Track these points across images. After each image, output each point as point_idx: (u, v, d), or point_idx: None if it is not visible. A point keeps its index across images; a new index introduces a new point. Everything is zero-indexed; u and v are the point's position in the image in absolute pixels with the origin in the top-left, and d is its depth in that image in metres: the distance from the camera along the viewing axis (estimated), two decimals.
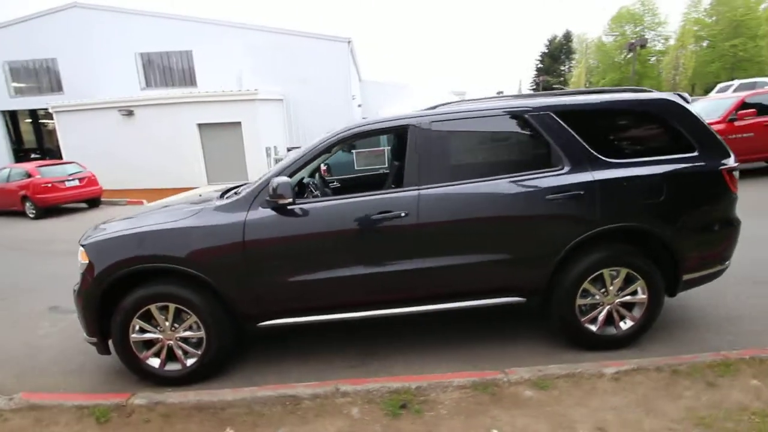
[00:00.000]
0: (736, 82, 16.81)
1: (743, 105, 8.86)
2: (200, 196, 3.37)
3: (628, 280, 2.74)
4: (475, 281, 2.67)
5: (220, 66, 18.30)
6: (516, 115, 2.71)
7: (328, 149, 2.68)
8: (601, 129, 2.77)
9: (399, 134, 3.10)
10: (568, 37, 59.21)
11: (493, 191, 2.60)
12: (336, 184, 4.19)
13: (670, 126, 2.74)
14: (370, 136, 2.86)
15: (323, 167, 4.82)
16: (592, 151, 2.65)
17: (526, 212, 2.61)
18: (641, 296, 2.77)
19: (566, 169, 2.63)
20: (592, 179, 2.60)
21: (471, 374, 2.47)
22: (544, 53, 60.92)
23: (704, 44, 37.03)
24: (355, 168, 4.49)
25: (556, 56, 59.77)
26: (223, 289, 2.57)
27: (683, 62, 37.47)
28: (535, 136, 2.70)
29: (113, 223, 2.88)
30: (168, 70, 19.67)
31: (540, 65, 61.08)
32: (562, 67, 59.79)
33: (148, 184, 14.68)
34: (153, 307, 2.60)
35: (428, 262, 2.59)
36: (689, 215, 2.69)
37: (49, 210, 10.67)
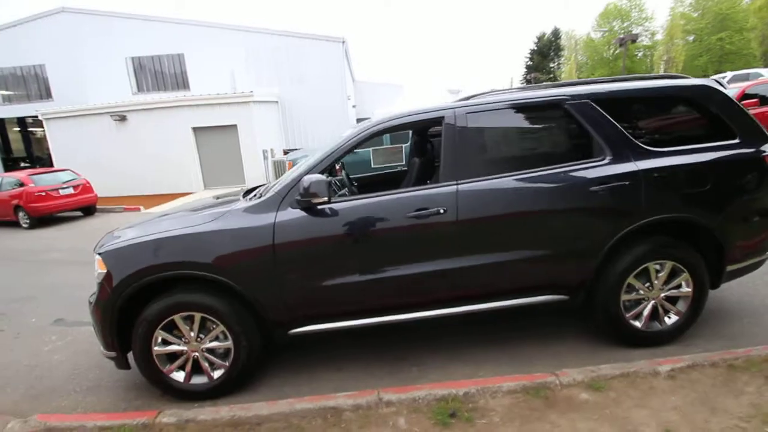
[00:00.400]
0: (729, 74, 16.94)
1: (744, 96, 8.89)
2: (217, 199, 3.20)
3: (673, 274, 2.64)
4: (516, 279, 2.55)
5: (213, 69, 18.07)
6: (553, 104, 2.59)
7: (359, 144, 2.53)
8: (640, 117, 2.68)
9: (432, 127, 2.96)
10: (556, 34, 59.54)
11: (534, 184, 2.47)
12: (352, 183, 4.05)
13: (710, 112, 2.64)
14: (403, 129, 2.72)
15: (337, 165, 4.68)
16: (633, 139, 2.54)
17: (569, 205, 2.49)
18: (686, 290, 2.67)
19: (608, 159, 2.52)
20: (636, 169, 2.49)
21: (520, 378, 2.34)
22: (533, 50, 61.17)
23: (690, 38, 37.40)
24: (372, 166, 4.34)
25: (546, 53, 60.06)
26: (252, 295, 2.42)
27: (674, 56, 37.85)
28: (575, 125, 2.59)
29: (127, 230, 2.71)
30: (160, 74, 19.36)
31: (530, 62, 61.35)
32: (552, 64, 60.11)
33: (143, 190, 14.39)
34: (177, 318, 2.44)
35: (469, 261, 2.46)
36: (734, 204, 2.60)
37: (43, 219, 10.37)
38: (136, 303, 2.46)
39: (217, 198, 3.28)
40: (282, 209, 2.41)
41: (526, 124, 2.70)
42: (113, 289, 2.39)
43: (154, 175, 14.45)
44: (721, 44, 34.50)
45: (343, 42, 18.00)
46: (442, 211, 2.39)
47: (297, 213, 2.40)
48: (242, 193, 2.87)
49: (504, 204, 2.46)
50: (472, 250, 2.46)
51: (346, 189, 3.06)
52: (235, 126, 14.29)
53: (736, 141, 2.61)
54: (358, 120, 19.20)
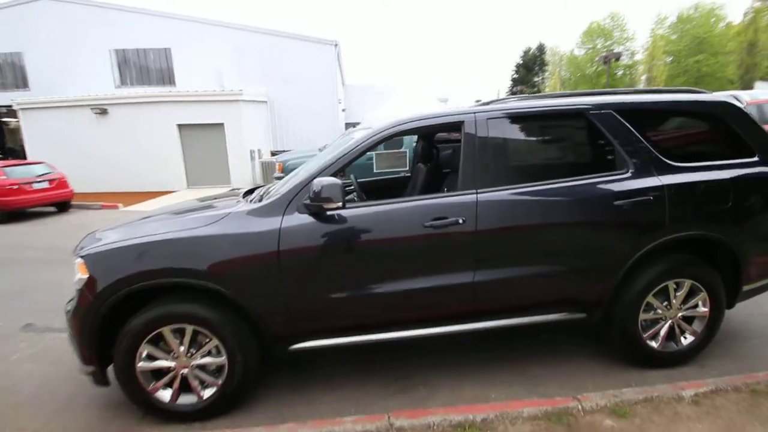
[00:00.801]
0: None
1: None
2: (202, 201, 2.96)
3: (691, 293, 2.56)
4: (534, 295, 2.42)
5: (201, 65, 17.61)
6: (576, 113, 2.48)
7: (374, 146, 2.36)
8: (660, 130, 2.60)
9: (449, 131, 2.81)
10: (541, 49, 60.86)
11: (557, 196, 2.35)
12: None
13: (730, 129, 2.59)
14: (419, 132, 2.57)
15: None
16: (656, 153, 2.46)
17: (593, 218, 2.38)
18: (702, 309, 2.59)
19: (630, 172, 2.42)
20: (660, 184, 2.40)
21: (540, 402, 2.19)
22: (519, 64, 62.35)
23: (669, 60, 38.75)
24: (374, 171, 4.16)
25: (531, 67, 61.25)
26: (252, 306, 2.20)
27: (655, 75, 39.13)
28: (597, 136, 2.48)
29: (110, 232, 2.45)
30: (145, 68, 18.78)
31: (515, 76, 62.54)
32: (536, 78, 61.41)
33: (123, 187, 13.82)
34: (166, 330, 2.20)
35: (487, 274, 2.31)
36: (754, 222, 2.54)
37: (14, 214, 9.79)
38: (120, 313, 2.21)
39: (202, 200, 3.05)
40: (289, 213, 2.21)
41: (547, 132, 2.59)
42: (96, 296, 2.14)
43: (135, 172, 13.91)
44: (698, 66, 35.86)
45: (336, 45, 17.85)
46: (461, 221, 2.24)
47: (305, 218, 2.21)
48: (241, 195, 2.65)
49: (525, 215, 2.33)
50: (490, 264, 2.32)
51: (355, 194, 2.88)
52: (222, 125, 13.92)
53: (755, 159, 2.56)
54: (347, 124, 19.01)
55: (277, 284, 2.19)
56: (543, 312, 2.45)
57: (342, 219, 2.23)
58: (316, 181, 2.13)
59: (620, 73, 43.08)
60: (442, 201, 2.30)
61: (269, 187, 2.60)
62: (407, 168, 4.11)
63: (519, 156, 2.54)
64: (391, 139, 2.39)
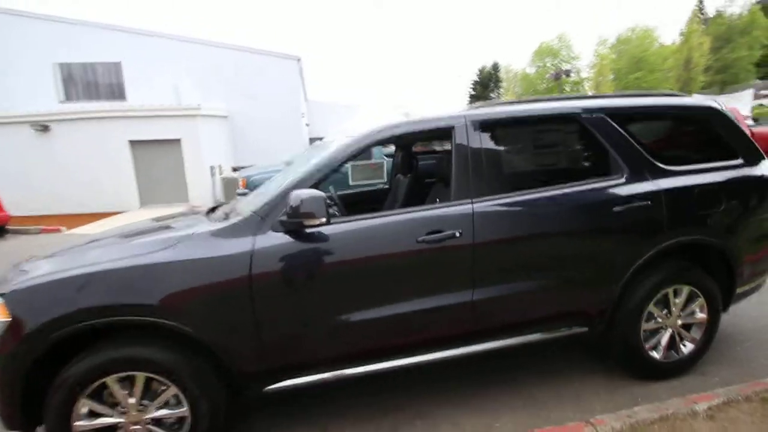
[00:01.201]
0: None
1: None
2: (157, 221, 2.58)
3: (689, 299, 2.48)
4: (538, 310, 2.24)
5: (156, 81, 16.76)
6: (568, 117, 2.37)
7: (357, 154, 2.11)
8: (649, 134, 2.53)
9: (438, 138, 2.61)
10: (496, 67, 63.64)
11: (557, 202, 2.20)
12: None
13: (714, 132, 2.57)
14: (407, 139, 2.35)
15: None
16: (648, 157, 2.38)
17: (593, 226, 2.25)
18: (700, 315, 2.51)
19: (625, 177, 2.32)
20: (656, 188, 2.31)
21: (554, 429, 1.98)
22: (476, 81, 64.80)
23: (611, 77, 41.64)
24: (350, 183, 3.88)
25: (486, 84, 63.73)
26: (218, 343, 1.86)
27: (603, 90, 41.82)
28: (590, 140, 2.38)
29: (41, 262, 2.04)
30: (93, 83, 17.66)
31: (473, 92, 64.84)
32: (492, 94, 63.94)
33: (67, 208, 12.70)
34: (111, 380, 1.81)
35: (488, 291, 2.10)
36: (744, 225, 2.51)
37: None
38: (52, 361, 1.80)
39: (158, 220, 2.67)
40: (262, 232, 1.91)
41: (540, 137, 2.46)
42: (20, 342, 1.73)
43: (80, 193, 12.85)
44: (638, 82, 38.69)
45: (298, 60, 17.64)
46: (458, 234, 2.02)
47: (281, 237, 1.91)
48: (203, 213, 2.30)
49: (525, 225, 2.16)
50: (490, 279, 2.11)
51: (336, 208, 2.60)
52: (178, 140, 13.21)
53: (740, 161, 2.55)
54: (311, 139, 18.69)
55: (248, 315, 1.87)
56: (545, 328, 2.27)
57: (324, 237, 1.95)
58: (293, 194, 1.84)
59: (568, 89, 45.75)
60: (435, 213, 2.08)
61: (235, 204, 2.28)
62: (385, 180, 3.88)
63: (513, 162, 2.38)
64: (376, 146, 2.15)
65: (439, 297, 2.05)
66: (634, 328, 2.36)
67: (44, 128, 12.87)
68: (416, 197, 3.09)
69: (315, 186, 1.97)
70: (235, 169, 14.34)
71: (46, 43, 16.53)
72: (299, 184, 1.97)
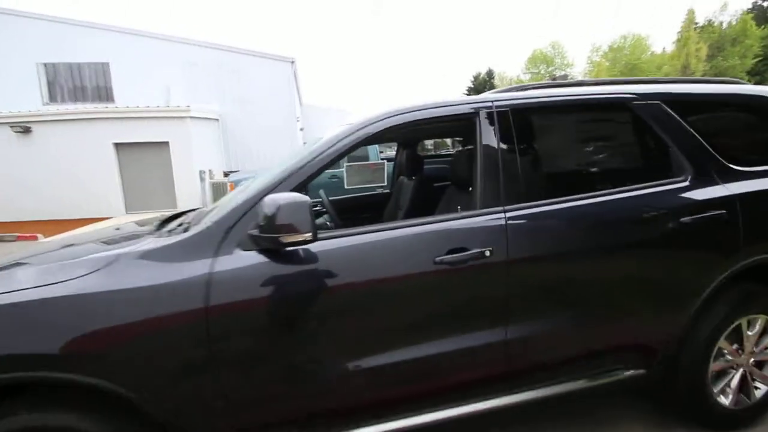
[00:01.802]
0: None
1: None
2: (118, 230, 2.07)
3: (764, 331, 2.01)
4: (586, 350, 1.76)
5: (145, 82, 16.22)
6: (618, 104, 1.90)
7: (354, 147, 1.62)
8: (716, 127, 2.07)
9: (456, 127, 2.13)
10: (490, 74, 63.79)
11: (609, 211, 1.73)
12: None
13: None
14: (419, 127, 1.85)
15: None
16: (715, 154, 1.92)
17: (658, 241, 1.78)
18: None
19: (689, 179, 1.86)
20: (728, 193, 1.85)
21: None
22: (470, 88, 64.88)
23: None
24: (345, 187, 3.40)
25: (481, 90, 63.57)
26: (160, 402, 1.36)
27: None
28: (646, 132, 1.92)
29: None
30: (79, 84, 17.10)
31: None
32: None
33: (48, 214, 12.08)
34: None
35: (525, 328, 1.62)
36: None
37: None
38: None
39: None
40: (224, 251, 1.40)
41: (585, 129, 1.99)
42: None
43: (63, 197, 12.25)
44: None
45: (293, 62, 17.20)
46: (487, 252, 1.54)
47: (252, 258, 1.42)
48: (157, 225, 1.78)
49: (572, 239, 1.69)
50: (527, 311, 1.64)
51: (328, 218, 2.10)
52: (167, 143, 12.66)
53: None
54: (306, 144, 18.21)
55: (203, 362, 1.37)
56: (596, 372, 1.78)
57: (311, 257, 1.46)
58: (268, 199, 1.35)
59: None
60: (456, 225, 1.61)
61: (201, 213, 1.78)
62: (385, 183, 3.40)
63: (553, 160, 1.91)
64: (380, 135, 1.65)
65: (464, 338, 1.57)
66: (702, 369, 1.89)
67: (25, 130, 12.28)
68: (424, 204, 2.61)
69: (299, 189, 1.48)
70: (226, 174, 13.81)
71: (32, 42, 15.97)
72: (278, 186, 1.47)
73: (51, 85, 16.90)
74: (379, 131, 1.62)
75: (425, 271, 1.52)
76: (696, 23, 32.93)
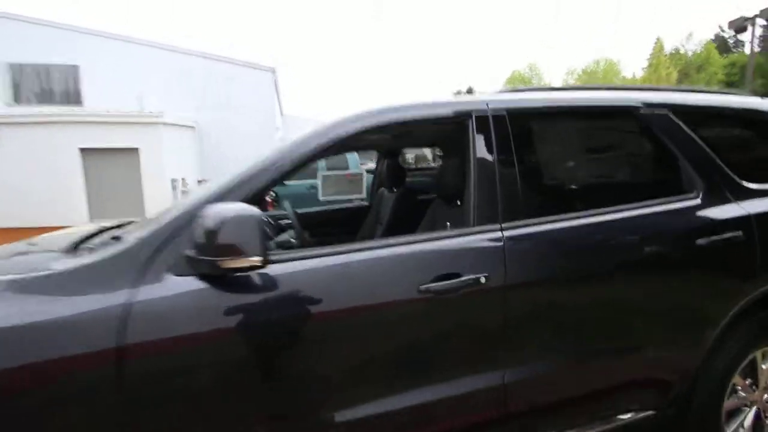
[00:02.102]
0: None
1: None
2: (33, 245, 1.71)
3: None
4: (593, 392, 1.52)
5: (117, 88, 15.60)
6: (624, 112, 1.72)
7: (322, 152, 1.35)
8: (725, 141, 1.91)
9: (445, 133, 1.89)
10: (470, 92, 65.26)
11: (620, 231, 1.53)
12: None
13: None
14: (400, 130, 1.61)
15: (268, 197, 3.39)
16: (726, 169, 1.75)
17: (671, 264, 1.57)
18: None
19: (700, 197, 1.67)
20: (743, 213, 1.67)
21: None
22: None
23: None
24: (320, 198, 3.11)
25: None
26: None
27: None
28: (654, 144, 1.74)
29: None
30: (47, 87, 16.36)
31: None
32: None
33: (5, 222, 11.26)
34: None
35: (526, 369, 1.37)
36: None
37: None
38: None
39: (33, 245, 1.79)
40: (151, 277, 1.10)
41: (588, 138, 1.78)
42: None
43: (21, 203, 11.46)
44: None
45: (273, 71, 16.96)
46: (483, 279, 1.28)
47: (188, 285, 1.12)
48: (73, 244, 1.43)
49: (579, 262, 1.47)
50: (529, 349, 1.40)
51: (293, 234, 1.81)
52: (136, 150, 12.10)
53: None
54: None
55: (110, 419, 1.05)
56: (600, 416, 1.54)
57: (268, 283, 1.17)
58: (209, 211, 1.06)
59: None
60: (444, 246, 1.35)
61: (130, 227, 1.46)
62: (364, 195, 3.14)
63: (554, 171, 1.70)
64: (354, 139, 1.38)
65: (453, 384, 1.30)
66: (716, 408, 1.69)
67: None
68: (406, 218, 2.36)
69: (251, 199, 1.19)
70: (200, 182, 13.29)
71: None
72: (225, 196, 1.18)
73: (16, 87, 16.11)
74: (351, 134, 1.36)
75: (407, 302, 1.26)
76: (663, 52, 34.68)
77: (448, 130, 1.69)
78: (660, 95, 1.82)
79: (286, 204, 1.84)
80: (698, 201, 1.66)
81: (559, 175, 1.68)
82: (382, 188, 2.78)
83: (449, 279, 1.26)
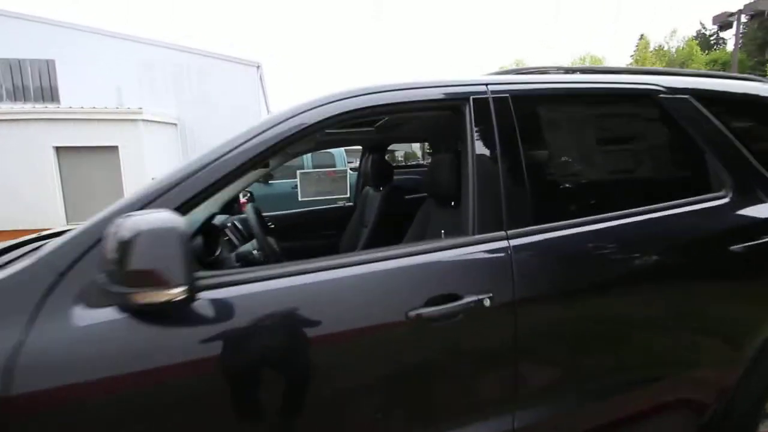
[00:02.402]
0: None
1: None
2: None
3: None
4: (618, 419, 1.28)
5: (96, 83, 15.04)
6: (642, 95, 1.48)
7: (284, 143, 1.08)
8: (756, 134, 1.69)
9: (441, 117, 1.64)
10: None
11: (651, 235, 1.30)
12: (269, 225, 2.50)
13: None
14: (383, 115, 1.34)
15: (242, 197, 3.10)
16: (759, 167, 1.53)
17: (701, 275, 1.34)
18: None
19: (729, 196, 1.45)
20: None
21: None
22: None
23: None
24: (299, 199, 2.82)
25: None
26: None
27: None
28: (677, 136, 1.50)
29: None
30: (20, 82, 15.67)
31: None
32: None
33: None
34: None
35: (540, 410, 1.12)
36: None
37: None
38: None
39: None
40: (51, 310, 0.83)
41: (605, 127, 1.53)
42: None
43: None
44: None
45: (258, 66, 16.52)
46: (487, 301, 1.03)
47: (100, 316, 0.85)
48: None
49: (600, 273, 1.23)
50: (542, 385, 1.14)
51: (254, 246, 1.53)
52: (115, 148, 11.62)
53: None
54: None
55: None
56: None
57: (221, 311, 0.91)
58: (120, 224, 0.80)
59: None
60: (437, 259, 1.09)
61: (44, 245, 1.18)
62: (348, 195, 2.87)
63: (567, 166, 1.44)
64: (324, 127, 1.11)
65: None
66: (752, 430, 1.47)
67: None
68: (394, 220, 2.11)
69: (185, 206, 0.91)
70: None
71: None
72: (151, 203, 0.91)
73: None
74: (321, 121, 1.09)
75: (390, 332, 1.00)
76: (648, 48, 34.91)
77: (439, 117, 1.44)
78: (683, 79, 1.59)
79: (249, 208, 1.56)
80: (728, 200, 1.44)
81: (572, 171, 1.43)
82: (368, 187, 2.52)
83: (444, 302, 1.01)
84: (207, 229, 1.51)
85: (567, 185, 1.37)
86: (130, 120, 11.73)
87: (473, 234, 1.13)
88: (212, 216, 1.64)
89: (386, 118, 2.10)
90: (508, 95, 1.26)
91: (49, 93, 15.63)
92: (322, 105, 1.11)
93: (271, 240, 1.48)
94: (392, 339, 1.00)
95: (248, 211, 1.50)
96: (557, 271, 1.17)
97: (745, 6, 13.58)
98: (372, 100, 1.13)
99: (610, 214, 1.25)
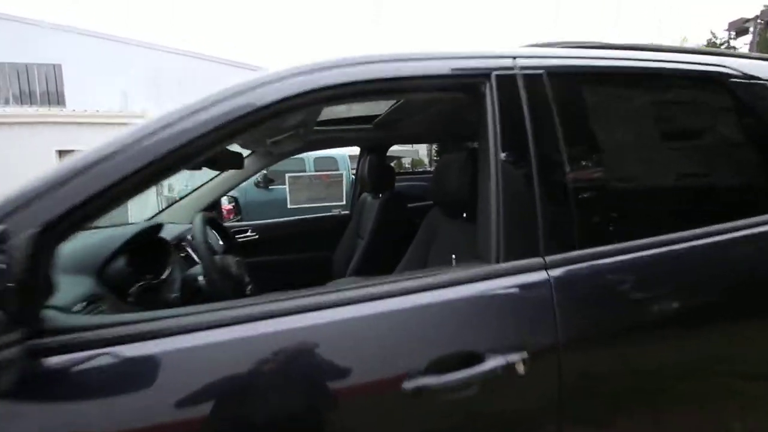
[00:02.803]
0: None
1: None
2: None
3: None
4: None
5: (102, 88, 15.05)
6: (707, 78, 1.14)
7: (229, 132, 0.77)
8: None
9: (454, 102, 1.32)
10: None
11: (728, 262, 0.94)
12: (251, 236, 2.19)
13: None
14: (383, 94, 1.02)
15: (226, 203, 2.79)
16: None
17: None
18: None
19: None
20: None
21: None
22: None
23: None
24: (288, 206, 2.49)
25: None
26: None
27: None
28: (754, 132, 1.15)
29: None
30: (27, 87, 15.77)
31: None
32: None
33: None
34: None
35: None
36: None
37: None
38: None
39: None
40: None
41: (668, 118, 1.17)
42: None
43: None
44: None
45: (257, 70, 16.49)
46: (521, 365, 0.70)
47: None
48: None
49: (676, 312, 0.88)
50: None
51: (199, 270, 1.20)
52: None
53: None
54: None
55: None
56: None
57: (111, 377, 0.59)
58: None
59: None
60: (445, 297, 0.76)
61: None
62: (344, 201, 2.56)
63: (623, 168, 1.08)
64: (297, 107, 0.79)
65: None
66: None
67: None
68: (394, 232, 1.79)
69: (62, 223, 0.61)
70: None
71: None
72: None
73: None
74: (280, 100, 0.77)
75: (384, 409, 0.67)
76: None
77: (450, 104, 1.11)
78: (756, 63, 1.25)
79: (197, 218, 1.25)
80: None
81: (632, 175, 1.08)
82: (365, 194, 2.20)
83: (457, 365, 0.68)
84: (151, 243, 1.21)
85: (626, 194, 1.02)
86: (132, 124, 11.63)
87: (497, 261, 0.80)
88: (156, 227, 1.33)
89: (384, 115, 1.80)
90: (543, 72, 0.93)
91: (55, 97, 15.69)
92: (313, 71, 0.79)
93: (230, 260, 1.16)
94: (378, 423, 0.67)
95: (195, 223, 1.19)
96: (619, 312, 0.83)
97: (762, 12, 13.27)
98: (355, 74, 0.80)
99: (686, 234, 0.91)
